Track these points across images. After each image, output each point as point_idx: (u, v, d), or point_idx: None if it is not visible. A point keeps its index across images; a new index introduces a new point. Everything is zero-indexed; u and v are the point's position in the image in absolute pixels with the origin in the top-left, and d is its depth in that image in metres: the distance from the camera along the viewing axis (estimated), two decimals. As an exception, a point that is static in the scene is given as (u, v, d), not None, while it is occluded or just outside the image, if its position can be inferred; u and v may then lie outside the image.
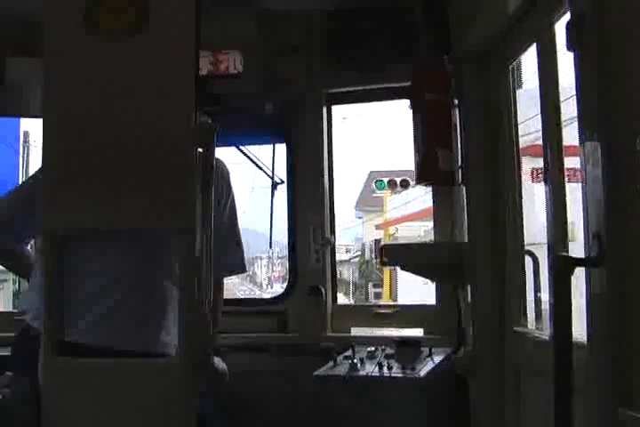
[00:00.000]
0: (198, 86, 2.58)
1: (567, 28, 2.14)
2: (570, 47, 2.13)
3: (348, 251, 26.18)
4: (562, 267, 2.01)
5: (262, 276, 35.14)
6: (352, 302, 20.26)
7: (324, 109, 4.62)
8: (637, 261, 1.86)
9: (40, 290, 2.69)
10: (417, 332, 4.28)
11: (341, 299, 12.46)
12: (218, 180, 3.02)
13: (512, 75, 3.53)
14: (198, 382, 2.58)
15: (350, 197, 25.79)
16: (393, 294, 19.22)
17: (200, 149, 2.65)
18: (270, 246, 5.11)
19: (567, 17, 2.24)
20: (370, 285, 22.46)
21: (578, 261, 2.03)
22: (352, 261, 25.75)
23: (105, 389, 2.56)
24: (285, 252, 4.78)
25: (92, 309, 2.78)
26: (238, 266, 3.30)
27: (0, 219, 3.11)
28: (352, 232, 26.95)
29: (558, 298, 2.04)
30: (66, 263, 2.71)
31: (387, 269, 18.41)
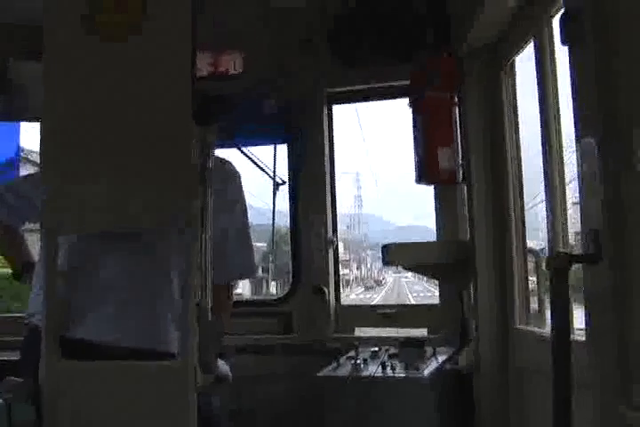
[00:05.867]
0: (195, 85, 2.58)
1: (562, 22, 2.12)
2: (565, 41, 2.11)
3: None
4: (559, 264, 1.99)
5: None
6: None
7: (325, 109, 4.61)
8: (635, 256, 1.84)
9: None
10: (421, 332, 4.26)
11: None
12: (228, 181, 3.02)
13: (512, 70, 3.52)
14: (201, 385, 2.56)
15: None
16: None
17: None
18: (273, 247, 5.08)
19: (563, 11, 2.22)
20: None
21: (575, 258, 2.01)
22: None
23: (106, 391, 2.55)
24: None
25: (98, 307, 2.77)
26: (248, 269, 3.27)
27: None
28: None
29: (557, 295, 2.02)
30: (70, 261, 2.72)
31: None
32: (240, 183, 3.16)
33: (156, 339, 2.79)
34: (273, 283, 19.81)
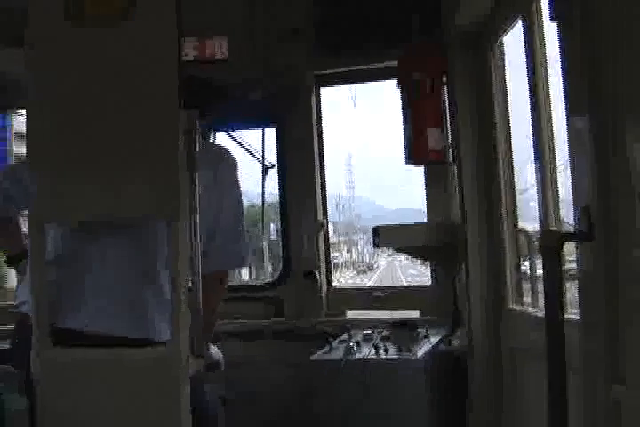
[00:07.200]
0: (182, 71, 2.55)
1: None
2: (554, 18, 2.09)
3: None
4: (550, 242, 1.97)
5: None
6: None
7: (313, 92, 4.58)
8: (627, 234, 1.82)
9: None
10: (413, 314, 4.26)
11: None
12: (225, 170, 2.99)
13: (501, 50, 3.49)
14: (193, 371, 2.55)
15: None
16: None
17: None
18: (262, 232, 5.04)
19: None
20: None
21: (567, 236, 1.99)
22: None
23: (98, 379, 2.53)
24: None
25: (87, 296, 2.75)
26: (240, 259, 3.24)
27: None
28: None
29: (549, 273, 2.01)
30: (57, 250, 2.71)
31: None
32: (236, 172, 3.10)
33: (145, 328, 2.77)
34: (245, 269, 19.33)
